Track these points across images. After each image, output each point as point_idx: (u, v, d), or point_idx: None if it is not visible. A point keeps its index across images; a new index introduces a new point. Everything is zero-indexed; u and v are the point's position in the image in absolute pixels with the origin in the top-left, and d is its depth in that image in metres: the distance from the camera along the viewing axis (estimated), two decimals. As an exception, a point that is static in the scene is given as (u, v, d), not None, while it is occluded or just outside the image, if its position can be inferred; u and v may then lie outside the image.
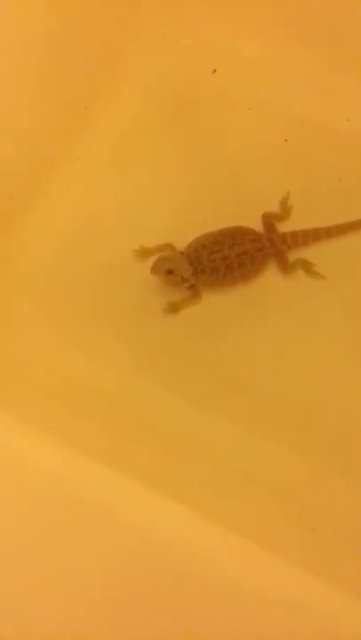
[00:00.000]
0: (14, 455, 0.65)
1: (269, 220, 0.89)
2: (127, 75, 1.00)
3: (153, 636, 0.58)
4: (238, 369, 0.83)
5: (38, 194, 0.92)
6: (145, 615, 0.58)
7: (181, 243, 0.88)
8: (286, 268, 0.87)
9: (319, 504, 0.73)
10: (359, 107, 0.93)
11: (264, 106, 0.96)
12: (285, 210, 0.90)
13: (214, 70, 0.99)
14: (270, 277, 0.87)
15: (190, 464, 0.76)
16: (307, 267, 0.87)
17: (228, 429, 0.80)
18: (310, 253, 0.87)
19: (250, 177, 0.93)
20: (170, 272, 0.84)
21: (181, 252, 0.86)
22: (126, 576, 0.60)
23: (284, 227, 0.89)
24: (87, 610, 0.59)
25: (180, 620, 0.58)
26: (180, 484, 0.68)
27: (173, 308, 0.86)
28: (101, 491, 0.64)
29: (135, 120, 0.98)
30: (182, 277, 0.85)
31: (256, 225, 0.88)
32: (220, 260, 0.84)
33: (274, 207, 0.90)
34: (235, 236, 0.85)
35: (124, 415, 0.80)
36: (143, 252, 0.89)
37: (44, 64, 0.91)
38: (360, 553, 0.67)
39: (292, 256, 0.87)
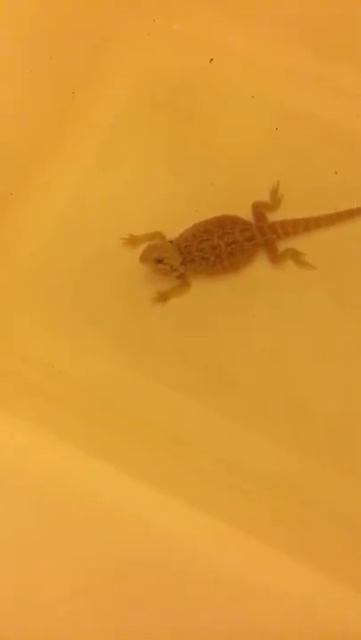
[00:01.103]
0: (9, 451, 0.64)
1: (259, 209, 0.88)
2: (117, 63, 0.99)
3: (152, 631, 0.58)
4: (228, 359, 0.83)
5: (27, 187, 0.91)
6: (144, 609, 0.58)
7: (172, 233, 0.87)
8: (276, 257, 0.86)
9: (315, 497, 0.73)
10: (355, 101, 0.93)
11: (255, 95, 0.96)
12: (275, 199, 0.90)
13: (211, 59, 0.98)
14: (260, 267, 0.87)
15: (183, 456, 0.75)
16: (296, 256, 0.86)
17: (219, 421, 0.79)
18: (300, 243, 0.87)
19: (240, 166, 0.92)
20: (159, 261, 0.83)
21: (171, 241, 0.86)
22: (124, 570, 0.60)
23: (274, 216, 0.88)
24: (86, 605, 0.59)
25: (179, 614, 0.58)
26: (174, 477, 0.68)
27: (162, 297, 0.86)
28: (95, 484, 0.63)
29: (125, 109, 0.98)
30: (171, 266, 0.84)
31: (246, 214, 0.88)
32: (210, 250, 0.84)
33: (264, 197, 0.90)
34: (224, 225, 0.85)
35: (113, 407, 0.80)
36: (132, 241, 0.88)
37: (32, 53, 0.90)
38: (357, 546, 0.67)
39: (282, 246, 0.87)
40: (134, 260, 0.84)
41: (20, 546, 0.60)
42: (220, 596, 0.59)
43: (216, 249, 0.84)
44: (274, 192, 0.90)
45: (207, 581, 0.59)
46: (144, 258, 0.83)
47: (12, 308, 0.86)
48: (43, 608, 0.58)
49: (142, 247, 0.85)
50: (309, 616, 0.58)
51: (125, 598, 0.59)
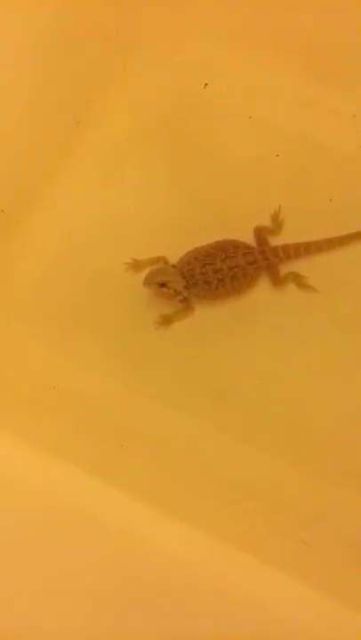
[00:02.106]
0: (6, 467, 0.64)
1: (261, 233, 0.89)
2: (119, 90, 1.01)
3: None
4: (230, 381, 0.83)
5: (31, 208, 0.93)
6: (140, 626, 0.58)
7: (174, 256, 0.88)
8: (278, 281, 0.87)
9: (314, 515, 0.73)
10: (351, 125, 0.95)
11: (255, 121, 0.97)
12: (277, 224, 0.91)
13: (206, 84, 1.00)
14: (262, 290, 0.88)
15: (181, 473, 0.76)
16: (298, 280, 0.87)
17: (220, 441, 0.80)
18: (302, 267, 0.88)
19: (242, 191, 0.94)
20: (162, 285, 0.84)
21: (174, 265, 0.87)
22: (121, 586, 0.59)
23: (276, 240, 0.89)
24: (83, 620, 0.58)
25: (176, 632, 0.58)
26: (172, 494, 0.68)
27: (165, 321, 0.86)
28: (92, 501, 0.63)
29: (127, 134, 0.99)
30: (175, 290, 0.85)
31: (248, 238, 0.89)
32: (213, 273, 0.85)
33: (266, 221, 0.91)
34: (227, 249, 0.86)
35: (112, 424, 0.80)
36: (136, 265, 0.89)
37: (36, 79, 0.92)
38: (355, 563, 0.67)
39: (284, 269, 0.88)
40: (138, 284, 0.85)
41: (16, 561, 0.60)
42: (216, 613, 0.58)
43: (219, 272, 0.85)
44: (275, 216, 0.91)
45: (204, 598, 0.59)
46: (147, 282, 0.84)
47: (14, 324, 0.87)
48: (39, 624, 0.58)
49: (146, 271, 0.86)
50: (307, 634, 0.57)
51: (122, 614, 0.58)
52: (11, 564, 0.60)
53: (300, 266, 0.88)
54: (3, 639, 0.57)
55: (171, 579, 0.60)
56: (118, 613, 0.59)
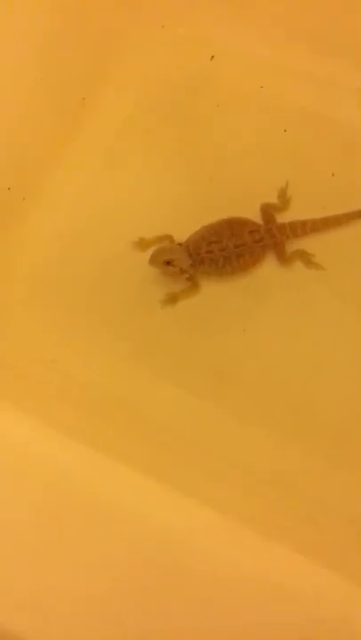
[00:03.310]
0: (16, 445, 0.65)
1: (268, 210, 0.89)
2: (125, 66, 1.00)
3: (153, 626, 0.58)
4: (235, 360, 0.83)
5: (37, 187, 0.92)
6: (145, 603, 0.59)
7: (181, 235, 0.88)
8: (285, 258, 0.87)
9: (315, 492, 0.74)
10: (358, 99, 0.93)
11: (262, 95, 0.96)
12: (284, 201, 0.90)
13: (212, 57, 0.98)
14: (269, 268, 0.87)
15: (188, 453, 0.76)
16: (305, 257, 0.87)
17: (225, 419, 0.80)
18: (309, 244, 0.87)
19: (249, 168, 0.93)
20: (168, 263, 0.84)
21: (180, 244, 0.87)
22: (126, 564, 0.60)
23: (282, 217, 0.89)
24: (87, 599, 0.59)
25: (181, 609, 0.59)
26: (175, 471, 0.68)
27: (172, 299, 0.86)
28: (96, 477, 0.64)
29: (134, 111, 0.99)
30: (181, 268, 0.85)
31: (255, 216, 0.88)
32: (219, 251, 0.85)
33: (272, 198, 0.90)
34: (233, 227, 0.86)
35: (116, 402, 0.81)
36: (142, 244, 0.89)
37: (41, 56, 0.91)
38: (357, 540, 0.68)
39: (291, 247, 0.87)
40: (144, 263, 0.85)
41: (20, 539, 0.61)
42: (221, 590, 0.59)
43: (225, 251, 0.85)
44: (282, 193, 0.90)
45: (208, 575, 0.60)
46: (153, 260, 0.84)
47: (20, 303, 0.88)
48: (44, 603, 0.59)
49: (152, 250, 0.86)
50: (311, 610, 0.58)
51: (127, 593, 0.59)
52: (12, 539, 0.61)
53: (306, 243, 0.87)
54: (7, 618, 0.58)
55: (173, 554, 0.60)
56: (122, 589, 0.60)
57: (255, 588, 0.59)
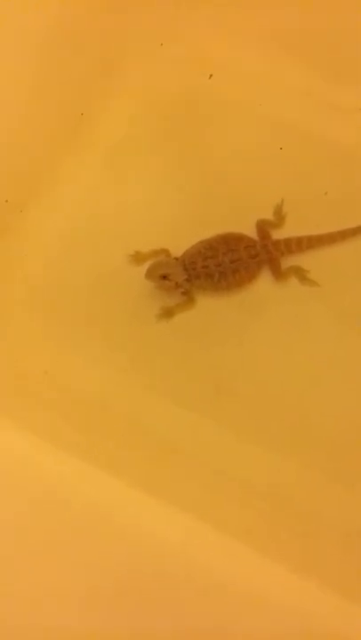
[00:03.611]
0: (12, 459, 0.65)
1: (264, 227, 0.89)
2: (124, 82, 1.00)
3: (148, 638, 0.58)
4: (231, 374, 0.84)
5: (34, 199, 0.93)
6: (140, 616, 0.59)
7: (177, 249, 0.88)
8: (280, 274, 0.87)
9: (312, 507, 0.74)
10: (354, 119, 0.95)
11: (259, 113, 0.97)
12: (280, 217, 0.91)
13: (210, 75, 0.99)
14: (264, 284, 0.88)
15: (184, 467, 0.76)
16: (300, 274, 0.87)
17: (221, 434, 0.80)
18: (304, 261, 0.88)
19: (245, 184, 0.94)
20: (164, 277, 0.85)
21: (176, 258, 0.87)
22: (122, 578, 0.60)
23: (278, 234, 0.89)
24: (83, 611, 0.59)
25: (175, 621, 0.58)
26: (172, 486, 0.68)
27: (167, 313, 0.87)
28: (93, 492, 0.64)
29: (132, 127, 0.99)
30: (176, 283, 0.85)
31: (251, 232, 0.89)
32: (215, 266, 0.85)
33: (268, 215, 0.91)
34: (229, 242, 0.86)
35: (113, 417, 0.81)
36: (138, 257, 0.90)
37: (41, 70, 0.92)
38: (352, 555, 0.68)
39: (286, 263, 0.88)
40: (140, 276, 0.85)
41: (17, 551, 0.61)
42: (216, 603, 0.59)
43: (220, 266, 0.85)
44: (278, 210, 0.91)
45: (204, 589, 0.60)
46: (149, 274, 0.85)
47: (17, 320, 0.88)
48: (41, 615, 0.59)
49: (148, 264, 0.86)
50: (306, 623, 0.58)
51: (123, 605, 0.59)
52: (8, 551, 0.60)
53: (302, 259, 0.88)
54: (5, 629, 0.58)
55: (170, 569, 0.60)
56: (118, 602, 0.59)
57: (250, 601, 0.59)
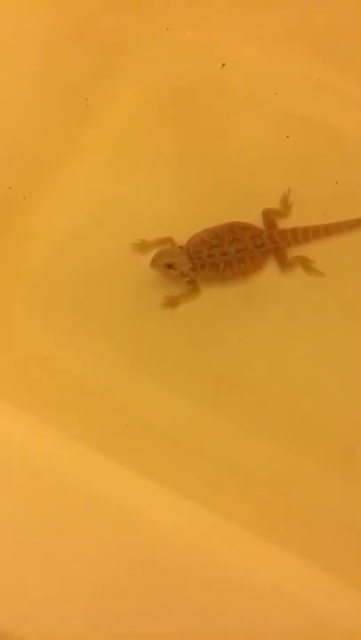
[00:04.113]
0: (16, 445, 0.65)
1: (270, 216, 0.89)
2: (130, 70, 0.99)
3: (152, 628, 0.58)
4: (236, 365, 0.84)
5: (38, 188, 0.92)
6: (144, 605, 0.59)
7: (182, 238, 0.88)
8: (286, 264, 0.87)
9: (313, 498, 0.74)
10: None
11: (268, 103, 0.96)
12: (286, 207, 0.90)
13: (223, 64, 0.98)
14: (270, 274, 0.87)
15: (187, 458, 0.76)
16: (306, 264, 0.87)
17: (225, 425, 0.80)
18: (310, 251, 0.87)
19: (251, 173, 0.93)
20: (169, 266, 0.84)
21: (181, 247, 0.86)
22: (123, 565, 0.60)
23: (284, 223, 0.89)
24: (86, 600, 0.59)
25: (179, 611, 0.59)
26: (177, 478, 0.68)
27: (172, 303, 0.86)
28: (94, 478, 0.64)
29: (137, 115, 0.98)
30: (182, 272, 0.85)
31: (257, 221, 0.88)
32: (220, 256, 0.85)
33: (275, 204, 0.90)
34: (235, 231, 0.86)
35: (118, 407, 0.80)
36: (143, 246, 0.89)
37: (45, 57, 0.90)
38: (353, 543, 0.68)
39: (292, 253, 0.87)
40: (145, 265, 0.85)
41: (17, 538, 0.61)
42: (220, 592, 0.59)
43: (226, 255, 0.85)
44: (285, 199, 0.90)
45: (207, 577, 0.60)
46: (154, 263, 0.84)
47: (20, 305, 0.87)
48: (40, 602, 0.59)
49: (153, 252, 0.85)
50: (310, 611, 0.58)
51: (126, 594, 0.59)
52: (9, 539, 0.60)
53: (307, 249, 0.87)
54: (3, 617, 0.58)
55: (172, 556, 0.61)
56: (119, 589, 0.60)
57: (254, 589, 0.59)
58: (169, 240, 0.88)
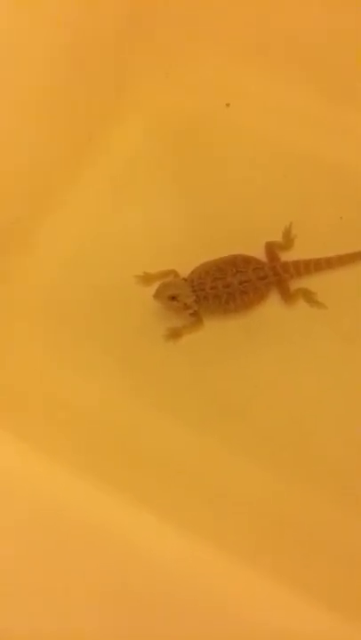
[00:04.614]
0: (14, 473, 0.64)
1: (272, 249, 0.90)
2: (131, 107, 1.01)
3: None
4: (237, 396, 0.83)
5: (43, 219, 0.93)
6: (140, 635, 0.58)
7: (185, 270, 0.88)
8: (288, 296, 0.87)
9: (316, 530, 0.73)
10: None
11: (267, 140, 0.98)
12: (288, 240, 0.91)
13: (228, 104, 1.00)
14: (272, 306, 0.88)
15: (188, 488, 0.76)
16: (308, 296, 0.87)
17: (225, 455, 0.80)
18: (312, 283, 0.88)
19: (254, 207, 0.94)
20: (173, 298, 0.85)
21: (185, 279, 0.87)
22: (119, 596, 0.59)
23: (286, 256, 0.90)
24: (80, 630, 0.58)
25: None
26: (178, 507, 0.68)
27: (175, 334, 0.87)
28: (94, 508, 0.64)
29: (139, 149, 1.00)
30: (185, 304, 0.85)
31: (259, 254, 0.89)
32: (223, 288, 0.85)
33: (277, 237, 0.91)
34: (238, 263, 0.86)
35: (119, 436, 0.80)
36: (146, 279, 0.90)
37: (49, 95, 0.92)
38: (356, 580, 0.67)
39: (294, 285, 0.88)
40: (148, 297, 0.85)
41: (14, 565, 0.60)
42: (217, 624, 0.58)
43: (229, 287, 0.85)
44: (287, 232, 0.91)
45: (203, 609, 0.59)
46: (158, 295, 0.85)
47: (24, 333, 0.88)
48: (40, 637, 0.58)
49: (156, 285, 0.86)
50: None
51: (122, 625, 0.58)
52: (5, 564, 0.60)
53: (310, 282, 0.88)
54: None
55: (167, 586, 0.60)
56: (117, 623, 0.59)
57: (250, 621, 0.58)
58: (172, 272, 0.89)
